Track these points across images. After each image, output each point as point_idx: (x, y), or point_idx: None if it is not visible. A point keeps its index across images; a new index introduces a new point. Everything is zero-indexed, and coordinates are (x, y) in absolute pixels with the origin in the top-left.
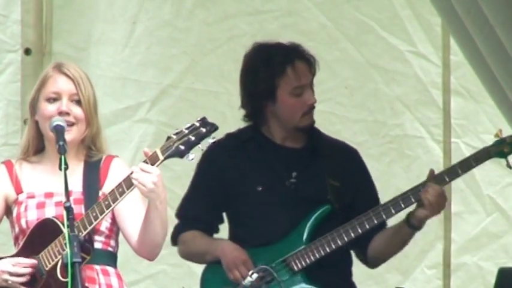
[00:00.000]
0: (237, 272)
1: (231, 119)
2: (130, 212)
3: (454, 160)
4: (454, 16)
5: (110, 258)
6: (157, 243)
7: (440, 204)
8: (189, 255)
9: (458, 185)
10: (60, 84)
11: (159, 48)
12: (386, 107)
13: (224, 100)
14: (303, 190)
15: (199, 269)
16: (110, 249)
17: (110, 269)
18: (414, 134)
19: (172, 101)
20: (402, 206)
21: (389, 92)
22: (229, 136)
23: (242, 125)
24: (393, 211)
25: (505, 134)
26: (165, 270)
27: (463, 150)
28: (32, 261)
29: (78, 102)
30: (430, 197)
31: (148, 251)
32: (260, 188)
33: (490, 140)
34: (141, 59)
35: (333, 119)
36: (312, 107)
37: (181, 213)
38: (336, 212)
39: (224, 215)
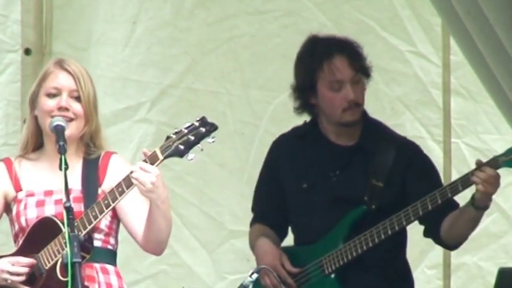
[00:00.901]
0: (266, 278)
1: (231, 118)
2: (134, 209)
3: (454, 160)
4: (454, 16)
5: (110, 256)
6: (162, 239)
7: (490, 181)
8: (251, 249)
9: None
10: (61, 79)
11: (159, 48)
12: (386, 107)
13: (224, 100)
14: (341, 189)
15: (199, 269)
16: (109, 247)
17: (110, 267)
18: (414, 134)
19: (172, 101)
20: (439, 200)
21: (389, 92)
22: (293, 130)
23: (242, 125)
24: (421, 212)
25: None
26: (166, 270)
27: (463, 150)
28: (31, 260)
29: (78, 99)
30: (475, 177)
31: (153, 247)
32: (305, 186)
33: (490, 140)
34: (141, 59)
35: None
36: (354, 103)
37: (252, 206)
38: (372, 213)
39: None
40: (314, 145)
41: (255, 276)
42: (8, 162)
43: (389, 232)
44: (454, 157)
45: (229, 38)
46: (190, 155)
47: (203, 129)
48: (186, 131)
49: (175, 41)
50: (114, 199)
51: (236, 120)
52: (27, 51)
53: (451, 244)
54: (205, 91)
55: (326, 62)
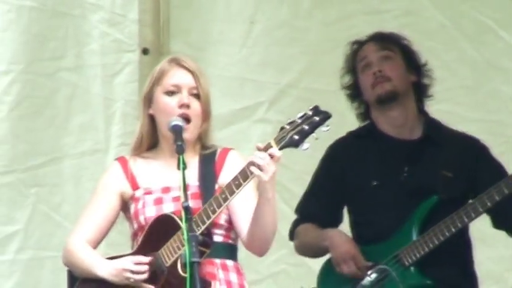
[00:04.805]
0: (346, 267)
1: (349, 118)
2: (242, 206)
3: None
4: None
5: (231, 251)
6: (267, 238)
7: None
8: (301, 248)
9: None
10: (179, 77)
11: (277, 48)
12: (506, 107)
13: (343, 100)
14: (413, 183)
15: (319, 268)
16: (230, 241)
17: (229, 262)
18: None
19: (290, 101)
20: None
21: (508, 91)
22: (350, 133)
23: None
24: (497, 198)
25: None
26: (286, 269)
27: None
28: (151, 258)
29: (197, 96)
30: None
31: (257, 245)
32: (375, 183)
33: None
34: (259, 59)
35: (452, 118)
36: (380, 76)
37: (300, 208)
38: (444, 203)
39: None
40: (376, 144)
41: (373, 276)
42: (123, 161)
43: (466, 220)
44: None
45: (348, 37)
46: (306, 144)
47: (317, 118)
48: (299, 120)
49: (293, 41)
50: (232, 193)
51: (355, 120)
52: (145, 51)
53: None
54: (324, 91)
55: (359, 50)
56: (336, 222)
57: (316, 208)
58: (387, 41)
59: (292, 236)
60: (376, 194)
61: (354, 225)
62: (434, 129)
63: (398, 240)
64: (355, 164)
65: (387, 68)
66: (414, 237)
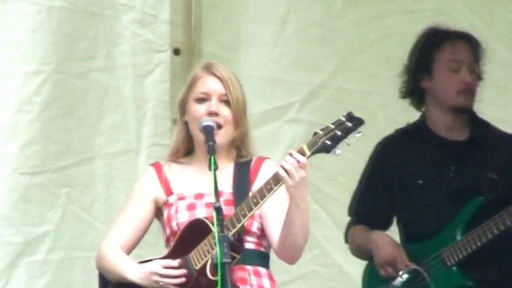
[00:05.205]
0: (389, 269)
1: (381, 119)
2: (274, 214)
3: None
4: None
5: (262, 258)
6: (297, 245)
7: None
8: (353, 250)
9: None
10: (210, 84)
11: (309, 48)
12: None
13: (375, 100)
14: (458, 183)
15: (350, 268)
16: (262, 249)
17: (262, 269)
18: None
19: (322, 101)
20: None
21: None
22: (398, 131)
23: (394, 125)
24: None
25: None
26: (316, 270)
27: None
28: (180, 261)
29: (227, 103)
30: None
31: (288, 253)
32: (421, 182)
33: None
34: (290, 59)
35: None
36: (469, 88)
37: (352, 209)
38: (489, 204)
39: None
40: (424, 142)
41: (405, 276)
42: (157, 167)
43: (509, 223)
44: None
45: (380, 37)
46: (338, 150)
47: (350, 124)
48: (333, 126)
49: (325, 41)
50: (263, 197)
51: (387, 120)
52: (176, 51)
53: None
54: (356, 91)
55: (448, 42)
56: (389, 221)
57: (369, 208)
58: (479, 50)
59: (346, 238)
60: (421, 193)
61: (400, 223)
62: (481, 131)
63: (442, 239)
64: (402, 162)
65: (475, 81)
66: (459, 238)
